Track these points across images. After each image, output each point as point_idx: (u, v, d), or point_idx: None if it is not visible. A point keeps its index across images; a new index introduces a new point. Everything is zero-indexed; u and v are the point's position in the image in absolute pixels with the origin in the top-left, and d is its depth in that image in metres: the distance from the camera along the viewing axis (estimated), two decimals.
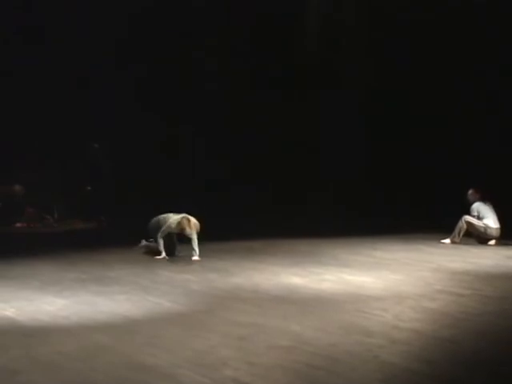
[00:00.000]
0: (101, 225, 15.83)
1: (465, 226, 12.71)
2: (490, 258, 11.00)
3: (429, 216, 14.49)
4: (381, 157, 16.46)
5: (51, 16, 15.90)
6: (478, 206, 12.85)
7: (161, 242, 11.10)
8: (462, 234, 12.75)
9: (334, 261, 10.79)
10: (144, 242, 11.67)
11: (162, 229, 11.08)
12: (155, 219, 11.30)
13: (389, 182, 15.88)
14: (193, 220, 11.07)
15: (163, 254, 11.02)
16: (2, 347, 6.12)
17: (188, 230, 10.96)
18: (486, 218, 12.76)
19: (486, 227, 12.70)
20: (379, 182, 16.06)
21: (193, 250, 10.92)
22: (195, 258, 10.85)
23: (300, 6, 16.85)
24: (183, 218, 11.08)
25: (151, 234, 11.38)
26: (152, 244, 11.44)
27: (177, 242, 11.32)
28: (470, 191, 13.05)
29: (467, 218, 12.73)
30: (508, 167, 15.04)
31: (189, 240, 10.95)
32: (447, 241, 12.71)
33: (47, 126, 16.44)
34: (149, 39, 16.44)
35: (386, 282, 8.91)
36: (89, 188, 16.62)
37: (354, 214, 15.16)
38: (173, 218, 11.17)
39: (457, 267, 10.07)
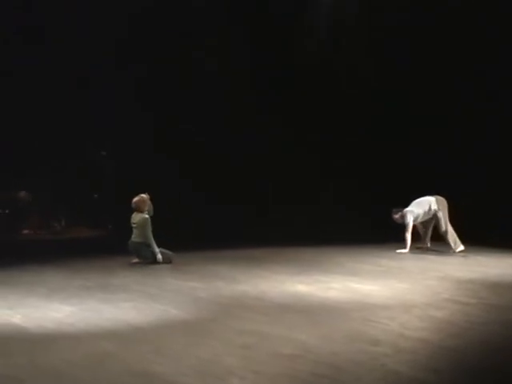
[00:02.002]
0: (107, 232, 15.86)
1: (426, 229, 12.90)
2: (495, 267, 10.94)
3: None
4: (381, 157, 16.46)
5: (51, 16, 15.89)
6: (408, 210, 12.79)
7: (156, 249, 11.20)
8: (427, 236, 12.97)
9: (339, 269, 10.81)
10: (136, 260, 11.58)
11: (149, 234, 11.18)
12: (134, 243, 11.40)
13: (389, 182, 15.88)
14: (141, 197, 11.47)
15: (159, 256, 11.19)
16: (7, 354, 6.13)
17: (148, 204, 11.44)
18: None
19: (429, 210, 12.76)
20: (379, 182, 16.05)
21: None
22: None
23: (300, 5, 16.81)
24: (138, 202, 11.41)
25: (141, 254, 11.42)
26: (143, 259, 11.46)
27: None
28: (395, 212, 12.88)
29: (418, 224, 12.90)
30: (508, 167, 15.07)
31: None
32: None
33: (47, 126, 16.47)
34: (149, 39, 16.42)
35: (393, 291, 8.91)
36: (95, 195, 16.67)
37: (354, 215, 15.18)
38: (141, 220, 11.27)
39: (463, 276, 10.04)
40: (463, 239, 12.81)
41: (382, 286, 9.27)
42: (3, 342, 6.54)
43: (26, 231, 15.78)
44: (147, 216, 11.38)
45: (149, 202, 11.51)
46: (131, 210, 11.58)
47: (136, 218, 11.42)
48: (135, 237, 11.37)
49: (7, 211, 15.91)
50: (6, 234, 15.11)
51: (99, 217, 16.40)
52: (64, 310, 7.82)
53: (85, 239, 15.30)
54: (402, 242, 12.70)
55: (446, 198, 12.94)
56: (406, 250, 12.55)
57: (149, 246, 11.25)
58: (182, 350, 6.22)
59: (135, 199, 11.49)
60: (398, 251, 12.57)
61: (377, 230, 14.17)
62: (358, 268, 10.93)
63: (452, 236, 12.69)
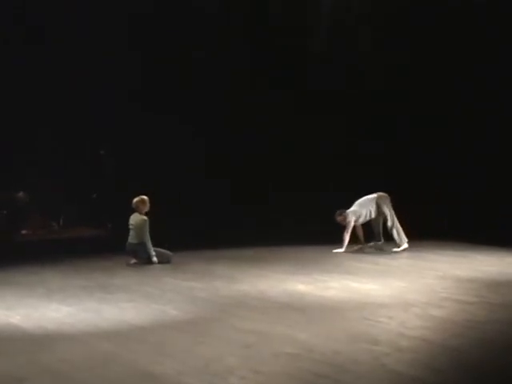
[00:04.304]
0: (107, 231, 15.84)
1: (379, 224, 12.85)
2: (495, 266, 10.84)
3: (428, 216, 14.49)
4: (380, 157, 16.44)
5: (51, 16, 15.87)
6: (351, 211, 12.71)
7: (152, 251, 11.21)
8: (379, 233, 12.91)
9: (338, 268, 10.80)
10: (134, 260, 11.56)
11: (145, 236, 11.18)
12: (131, 244, 11.38)
13: (389, 182, 15.84)
14: (141, 198, 11.42)
15: (155, 259, 11.18)
16: (7, 354, 6.15)
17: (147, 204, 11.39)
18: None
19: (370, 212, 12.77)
20: (379, 182, 16.00)
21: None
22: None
23: (300, 6, 16.79)
24: (138, 203, 11.37)
25: (138, 255, 11.40)
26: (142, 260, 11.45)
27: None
28: (338, 214, 12.66)
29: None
30: (508, 167, 15.06)
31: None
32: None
33: (47, 125, 16.47)
34: (149, 39, 16.40)
35: (392, 290, 8.90)
36: (94, 195, 16.65)
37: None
38: (139, 221, 11.25)
39: (462, 274, 9.97)
40: (462, 239, 12.81)
41: (381, 284, 9.26)
42: (2, 343, 6.55)
43: (24, 231, 15.77)
44: (145, 218, 11.33)
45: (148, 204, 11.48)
46: (131, 210, 11.57)
47: (134, 219, 11.39)
48: (132, 238, 11.34)
49: (5, 212, 15.89)
50: (4, 235, 15.11)
51: (99, 216, 16.37)
52: (63, 310, 7.84)
53: (84, 239, 15.30)
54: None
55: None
56: (342, 250, 12.44)
57: (145, 247, 11.23)
58: (182, 349, 6.23)
59: (135, 199, 11.47)
60: (335, 251, 12.44)
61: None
62: (357, 267, 10.93)
63: (398, 232, 12.70)
